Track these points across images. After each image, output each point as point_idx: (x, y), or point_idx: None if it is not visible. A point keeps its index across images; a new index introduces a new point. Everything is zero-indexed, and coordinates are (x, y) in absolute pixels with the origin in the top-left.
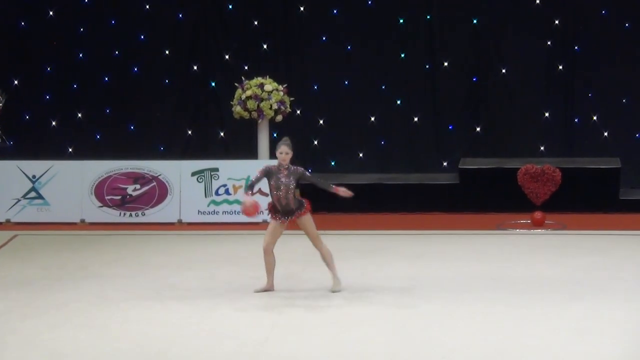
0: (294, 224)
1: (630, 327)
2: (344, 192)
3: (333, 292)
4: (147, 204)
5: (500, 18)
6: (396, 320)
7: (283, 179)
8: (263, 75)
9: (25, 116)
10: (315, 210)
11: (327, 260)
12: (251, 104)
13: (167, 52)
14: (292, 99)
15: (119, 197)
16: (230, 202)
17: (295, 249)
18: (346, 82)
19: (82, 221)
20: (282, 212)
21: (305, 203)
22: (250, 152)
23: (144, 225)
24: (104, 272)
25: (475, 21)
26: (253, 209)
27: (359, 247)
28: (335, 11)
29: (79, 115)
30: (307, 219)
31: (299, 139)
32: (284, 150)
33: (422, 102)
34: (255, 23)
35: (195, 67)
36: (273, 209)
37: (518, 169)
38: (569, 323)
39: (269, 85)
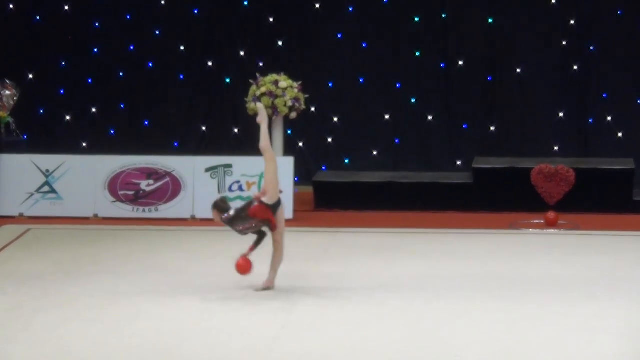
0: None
1: None
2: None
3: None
4: (161, 200)
5: (515, 17)
6: (408, 317)
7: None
8: (278, 72)
9: (40, 110)
10: (329, 207)
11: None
12: (266, 101)
13: (182, 47)
14: (306, 96)
15: (132, 193)
16: (243, 199)
17: (307, 246)
18: (361, 80)
19: (95, 216)
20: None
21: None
22: None
23: (157, 220)
24: (116, 268)
25: (490, 20)
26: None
27: (371, 244)
28: (350, 8)
29: (93, 110)
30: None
31: (313, 136)
32: None
33: (436, 100)
34: (271, 20)
35: (210, 63)
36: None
37: (532, 168)
38: (580, 322)
39: (284, 82)
